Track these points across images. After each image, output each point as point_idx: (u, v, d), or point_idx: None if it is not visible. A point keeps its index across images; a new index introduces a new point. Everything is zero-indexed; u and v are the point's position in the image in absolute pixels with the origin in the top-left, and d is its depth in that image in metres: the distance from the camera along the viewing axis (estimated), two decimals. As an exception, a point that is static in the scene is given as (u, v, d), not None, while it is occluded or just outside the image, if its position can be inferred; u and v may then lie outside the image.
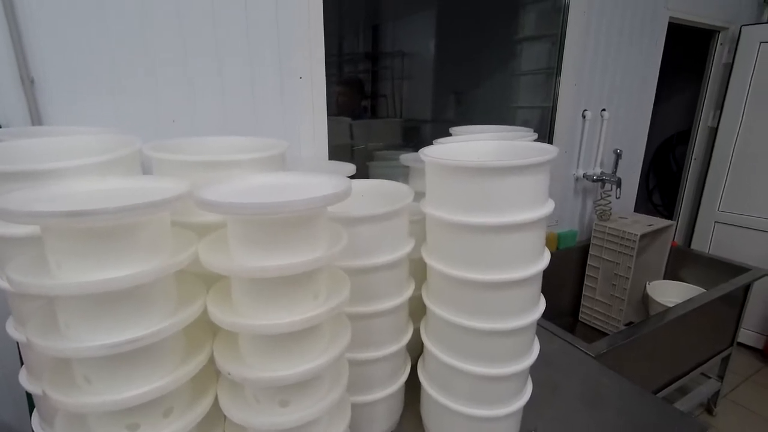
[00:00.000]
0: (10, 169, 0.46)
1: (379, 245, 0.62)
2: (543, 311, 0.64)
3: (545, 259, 0.61)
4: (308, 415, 0.50)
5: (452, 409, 0.65)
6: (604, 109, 1.62)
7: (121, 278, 0.39)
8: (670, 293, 1.71)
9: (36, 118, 0.75)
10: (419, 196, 0.65)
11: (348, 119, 1.76)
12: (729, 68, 1.97)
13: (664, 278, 1.79)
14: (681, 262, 1.83)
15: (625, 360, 1.14)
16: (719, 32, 1.98)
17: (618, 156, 1.67)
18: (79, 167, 0.48)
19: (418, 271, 0.70)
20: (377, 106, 2.83)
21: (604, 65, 1.58)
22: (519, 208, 0.54)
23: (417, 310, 0.73)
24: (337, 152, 1.15)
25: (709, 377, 1.66)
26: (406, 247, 0.65)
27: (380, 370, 0.68)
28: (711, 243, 2.12)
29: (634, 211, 1.92)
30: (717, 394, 1.68)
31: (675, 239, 2.22)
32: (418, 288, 0.70)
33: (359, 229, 0.59)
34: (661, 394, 1.34)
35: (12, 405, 0.83)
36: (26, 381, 0.56)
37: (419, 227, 0.68)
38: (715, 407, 1.70)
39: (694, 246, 2.16)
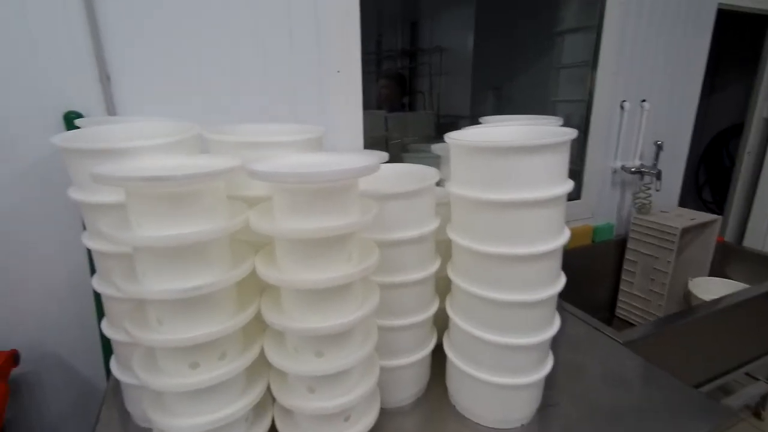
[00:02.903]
0: (99, 147, 0.56)
1: (406, 221, 0.67)
2: (563, 286, 0.67)
3: (564, 236, 0.64)
4: (340, 366, 0.57)
5: (476, 378, 0.70)
6: (644, 100, 1.59)
7: (187, 234, 0.48)
8: (715, 290, 1.64)
9: (111, 110, 0.87)
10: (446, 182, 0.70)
11: (383, 112, 1.82)
12: (787, 55, 1.86)
13: (710, 275, 1.73)
14: (728, 259, 1.75)
15: (659, 351, 1.13)
16: (776, 18, 1.87)
17: (659, 148, 1.63)
18: (153, 146, 0.57)
19: (446, 253, 0.75)
20: (415, 102, 2.88)
21: (645, 55, 1.54)
22: (536, 186, 0.58)
23: (444, 290, 0.78)
24: (372, 145, 1.21)
25: (757, 379, 1.59)
26: (432, 224, 0.70)
27: (408, 337, 0.74)
28: (767, 240, 2.00)
29: (682, 207, 1.86)
30: (766, 397, 1.60)
31: (725, 236, 2.12)
32: (443, 270, 0.74)
33: (388, 205, 0.65)
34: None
35: (88, 354, 0.96)
36: (108, 329, 0.67)
37: (447, 210, 0.73)
38: (763, 411, 1.63)
39: (747, 243, 2.06)
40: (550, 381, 0.74)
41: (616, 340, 1.00)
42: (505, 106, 2.34)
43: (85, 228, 0.64)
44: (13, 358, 0.87)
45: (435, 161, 0.97)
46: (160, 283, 0.50)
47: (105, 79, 0.85)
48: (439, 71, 2.70)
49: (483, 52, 2.37)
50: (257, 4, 0.94)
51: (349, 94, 1.09)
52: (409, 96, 2.85)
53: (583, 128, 1.58)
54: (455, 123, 2.62)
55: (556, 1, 1.69)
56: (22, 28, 0.78)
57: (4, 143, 0.82)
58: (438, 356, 0.79)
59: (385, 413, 0.71)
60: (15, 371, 0.88)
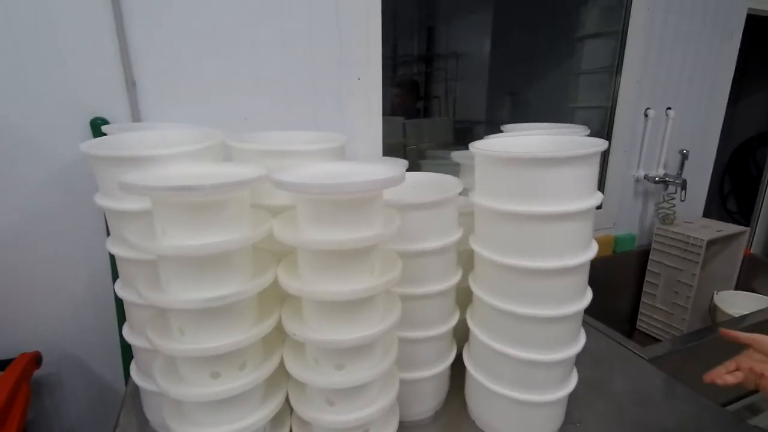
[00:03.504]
0: (126, 154, 0.56)
1: (429, 231, 0.66)
2: (589, 302, 0.65)
3: (592, 249, 0.62)
4: (361, 379, 0.56)
5: (497, 393, 0.68)
6: (669, 108, 1.55)
7: (213, 244, 0.47)
8: (742, 305, 1.59)
9: (136, 116, 0.88)
10: (469, 191, 0.68)
11: (401, 119, 1.81)
12: (820, 62, 1.79)
13: (736, 289, 1.67)
14: (756, 272, 1.69)
15: (684, 368, 1.09)
16: (809, 23, 1.81)
17: (684, 157, 1.59)
18: (179, 154, 0.57)
19: (469, 263, 0.73)
20: (431, 108, 2.86)
21: (671, 62, 1.51)
22: (564, 198, 0.56)
23: (465, 302, 0.76)
24: (390, 151, 1.20)
25: (787, 398, 1.53)
26: (454, 235, 0.69)
27: (429, 349, 0.72)
28: (795, 254, 1.93)
29: (706, 217, 1.80)
30: (795, 417, 1.54)
31: (751, 248, 2.05)
32: (465, 280, 0.73)
33: (411, 216, 0.64)
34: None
35: (108, 358, 0.97)
36: (129, 335, 0.67)
37: (468, 220, 0.72)
38: (793, 432, 1.56)
39: (775, 256, 1.99)
40: (572, 397, 0.72)
41: (640, 356, 0.97)
42: (521, 112, 2.31)
43: (108, 234, 0.65)
44: (36, 360, 0.88)
45: (454, 169, 0.96)
46: (184, 293, 0.49)
47: (131, 85, 0.87)
48: (455, 76, 2.68)
49: (500, 57, 2.34)
50: (279, 11, 0.94)
51: (369, 101, 1.09)
52: (423, 101, 2.84)
53: (605, 136, 1.54)
54: (471, 129, 2.59)
55: (577, 6, 1.66)
56: (50, 35, 0.79)
57: (31, 149, 0.83)
58: (456, 368, 0.77)
59: (403, 427, 0.70)
60: (37, 373, 0.89)
